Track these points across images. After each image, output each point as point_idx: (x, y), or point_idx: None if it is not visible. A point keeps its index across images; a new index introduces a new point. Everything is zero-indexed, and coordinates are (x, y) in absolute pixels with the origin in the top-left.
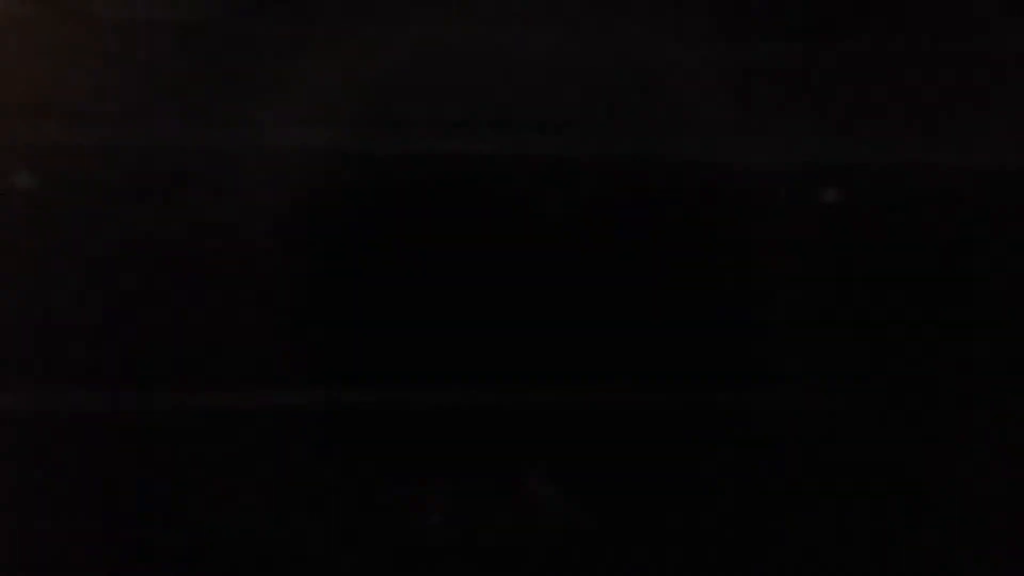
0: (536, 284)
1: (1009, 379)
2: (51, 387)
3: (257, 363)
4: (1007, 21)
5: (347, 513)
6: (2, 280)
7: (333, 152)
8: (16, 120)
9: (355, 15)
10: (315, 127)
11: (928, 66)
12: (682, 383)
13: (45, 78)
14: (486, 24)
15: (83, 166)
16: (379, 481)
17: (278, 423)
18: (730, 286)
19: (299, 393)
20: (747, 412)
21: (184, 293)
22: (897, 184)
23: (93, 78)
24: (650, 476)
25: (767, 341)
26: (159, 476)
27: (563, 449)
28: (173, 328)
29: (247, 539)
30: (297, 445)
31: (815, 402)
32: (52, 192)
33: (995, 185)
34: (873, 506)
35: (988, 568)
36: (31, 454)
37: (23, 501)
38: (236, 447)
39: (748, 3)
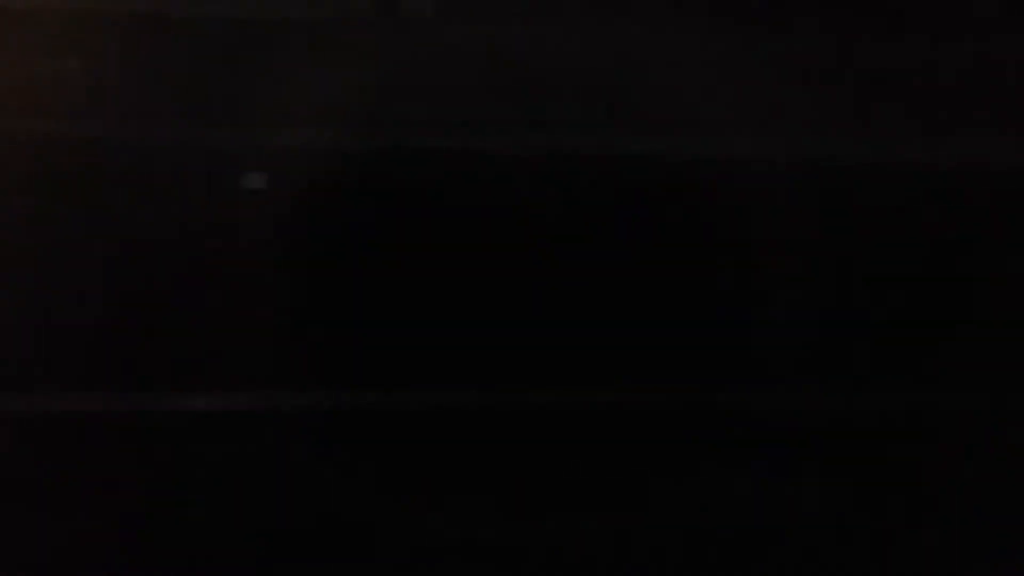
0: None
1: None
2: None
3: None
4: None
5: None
6: (232, 277)
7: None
8: (256, 123)
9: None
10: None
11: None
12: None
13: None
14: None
15: (313, 168)
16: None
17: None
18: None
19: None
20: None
21: (428, 291)
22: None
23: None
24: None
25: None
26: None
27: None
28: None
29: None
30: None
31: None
32: (282, 193)
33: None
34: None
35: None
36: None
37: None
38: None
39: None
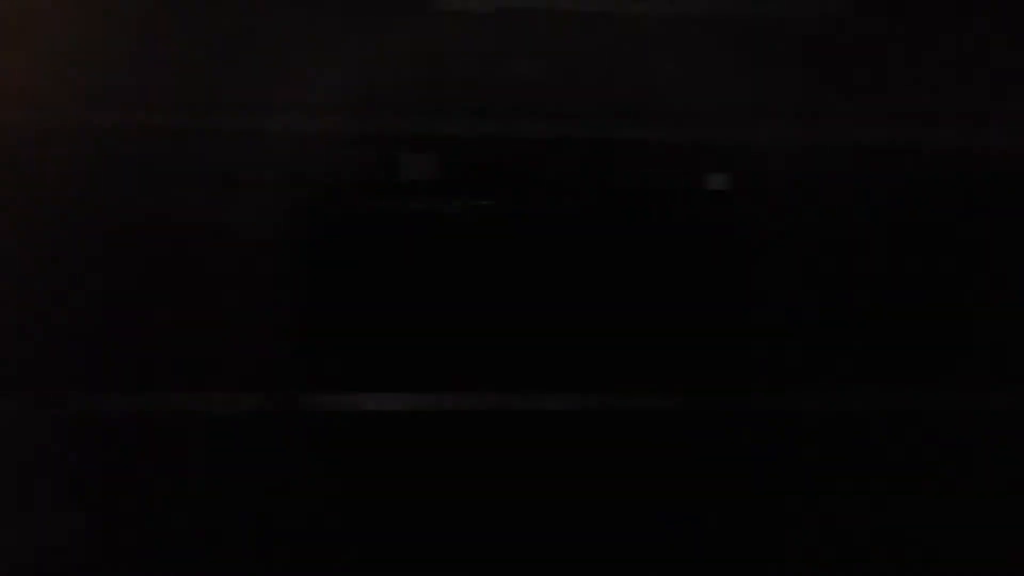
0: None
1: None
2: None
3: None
4: None
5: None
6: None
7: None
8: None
9: None
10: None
11: None
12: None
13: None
14: None
15: (778, 167)
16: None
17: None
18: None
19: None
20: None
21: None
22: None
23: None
24: None
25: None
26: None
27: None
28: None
29: None
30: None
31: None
32: (747, 194)
33: None
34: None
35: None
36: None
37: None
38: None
39: None
